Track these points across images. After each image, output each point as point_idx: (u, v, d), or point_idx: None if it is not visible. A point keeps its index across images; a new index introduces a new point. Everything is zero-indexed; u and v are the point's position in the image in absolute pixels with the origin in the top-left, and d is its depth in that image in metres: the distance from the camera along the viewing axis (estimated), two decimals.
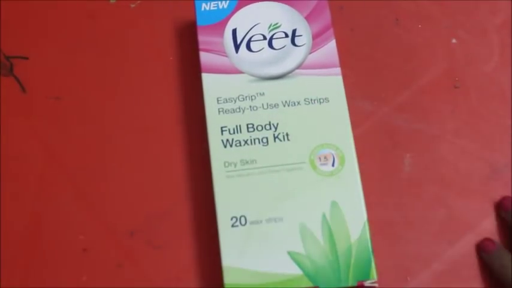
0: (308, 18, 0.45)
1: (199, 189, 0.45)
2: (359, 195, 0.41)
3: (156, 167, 0.45)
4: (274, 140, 0.42)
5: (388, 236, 0.44)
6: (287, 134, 0.42)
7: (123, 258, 0.43)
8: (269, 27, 0.45)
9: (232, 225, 0.40)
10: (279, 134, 0.42)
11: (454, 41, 0.49)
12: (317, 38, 0.45)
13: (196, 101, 0.47)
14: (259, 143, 0.42)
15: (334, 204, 0.40)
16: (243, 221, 0.40)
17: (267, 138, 0.42)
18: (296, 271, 0.39)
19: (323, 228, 0.40)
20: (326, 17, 0.45)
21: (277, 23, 0.45)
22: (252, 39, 0.45)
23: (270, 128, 0.42)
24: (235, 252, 0.40)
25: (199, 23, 0.45)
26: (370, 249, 0.40)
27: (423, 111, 0.47)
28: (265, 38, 0.45)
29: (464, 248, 0.44)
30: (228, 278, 0.39)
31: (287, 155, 0.42)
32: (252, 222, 0.40)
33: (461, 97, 0.47)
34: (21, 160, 0.45)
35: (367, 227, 0.40)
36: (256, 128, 0.42)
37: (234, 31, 0.45)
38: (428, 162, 0.46)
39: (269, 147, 0.42)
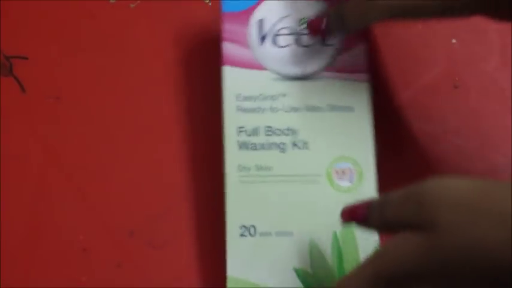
0: None
1: (200, 189, 0.45)
2: None
3: (156, 167, 0.45)
4: (292, 148, 0.40)
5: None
6: (306, 142, 0.40)
7: (123, 258, 0.43)
8: (299, 21, 0.41)
9: (241, 235, 0.39)
10: (298, 141, 0.40)
11: (454, 41, 0.49)
12: (348, 39, 0.41)
13: (196, 100, 0.47)
14: (276, 148, 0.40)
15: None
16: (252, 231, 0.39)
17: (284, 144, 0.40)
18: None
19: (333, 248, 0.38)
20: None
21: (309, 18, 0.41)
22: (279, 32, 0.41)
23: (289, 134, 0.40)
24: (242, 263, 0.38)
25: (224, 9, 0.42)
26: None
27: (423, 111, 0.47)
28: (293, 33, 0.41)
29: None
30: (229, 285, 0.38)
31: (304, 165, 0.39)
32: (261, 234, 0.39)
33: (461, 97, 0.47)
34: (21, 160, 0.45)
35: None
36: (275, 132, 0.40)
37: (261, 21, 0.41)
38: (429, 162, 0.46)
39: (286, 155, 0.39)
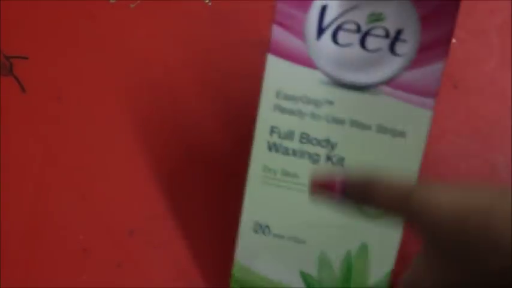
0: (424, 19, 0.33)
1: (201, 189, 0.45)
2: (394, 247, 0.36)
3: (156, 167, 0.45)
4: (326, 161, 0.36)
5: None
6: (342, 159, 0.36)
7: (123, 258, 0.43)
8: (369, 16, 0.33)
9: (254, 231, 0.37)
10: (334, 156, 0.36)
11: (454, 41, 0.49)
12: (424, 51, 0.33)
13: (197, 100, 0.47)
14: (308, 158, 0.36)
15: (363, 247, 0.37)
16: (266, 231, 0.37)
17: (319, 156, 0.36)
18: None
19: (343, 263, 0.37)
20: (448, 26, 0.33)
21: (381, 14, 0.33)
22: (343, 26, 0.34)
23: (326, 146, 0.36)
24: (250, 254, 0.37)
25: None
26: None
27: None
28: (359, 30, 0.34)
29: None
30: (237, 274, 0.38)
31: None
32: (274, 235, 0.37)
33: (461, 97, 0.47)
34: (21, 160, 0.45)
35: (388, 276, 0.37)
36: (311, 141, 0.36)
37: (324, 8, 0.33)
38: (429, 162, 0.46)
39: (317, 167, 0.36)
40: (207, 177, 0.45)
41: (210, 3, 0.49)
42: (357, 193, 0.30)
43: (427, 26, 0.32)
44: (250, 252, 0.38)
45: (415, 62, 0.34)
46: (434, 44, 0.33)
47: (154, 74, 0.48)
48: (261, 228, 0.37)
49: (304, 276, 0.38)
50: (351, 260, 0.37)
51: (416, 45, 0.33)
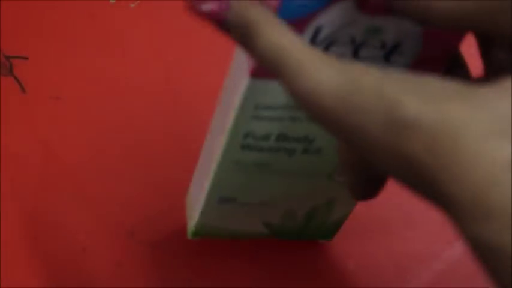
0: (427, 35, 0.30)
1: None
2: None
3: (156, 167, 0.45)
4: (302, 153, 0.35)
5: (388, 236, 0.44)
6: (320, 149, 0.35)
7: (123, 258, 0.43)
8: (366, 31, 0.30)
9: (219, 202, 0.38)
10: (311, 148, 0.35)
11: None
12: (420, 64, 0.31)
13: (196, 101, 0.47)
14: (284, 152, 0.35)
15: (330, 203, 0.39)
16: (232, 201, 0.38)
17: (295, 149, 0.35)
18: (265, 232, 0.41)
19: (307, 214, 0.40)
20: (451, 43, 0.30)
21: (379, 29, 0.30)
22: (337, 40, 0.30)
23: (304, 142, 0.35)
24: (212, 215, 0.39)
25: (282, 15, 0.29)
26: (338, 226, 0.41)
27: None
28: (353, 41, 0.30)
29: (465, 247, 0.44)
30: (195, 227, 0.40)
31: (308, 165, 0.36)
32: (241, 204, 0.38)
33: None
34: (21, 160, 0.45)
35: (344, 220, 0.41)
36: (288, 140, 0.35)
37: (318, 30, 0.29)
38: None
39: (292, 157, 0.36)
40: None
41: None
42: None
43: (429, 41, 0.30)
44: (212, 216, 0.39)
45: (417, 65, 0.31)
46: (433, 58, 0.31)
47: (155, 74, 0.48)
48: (227, 200, 0.38)
49: (267, 225, 0.40)
50: (316, 212, 0.40)
51: (414, 57, 0.31)
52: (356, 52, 0.31)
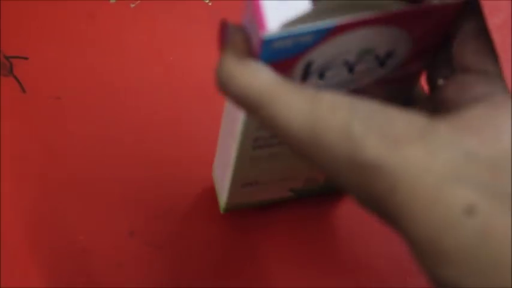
0: (417, 39, 0.30)
1: (200, 189, 0.45)
2: None
3: (156, 167, 0.45)
4: None
5: (388, 236, 0.44)
6: None
7: (123, 258, 0.43)
8: (359, 53, 0.30)
9: (242, 187, 0.40)
10: None
11: None
12: (414, 58, 0.31)
13: (196, 101, 0.47)
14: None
15: None
16: (255, 184, 0.40)
17: None
18: (291, 195, 0.43)
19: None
20: (437, 39, 0.31)
21: (372, 49, 0.30)
22: (330, 66, 0.30)
23: None
24: (239, 195, 0.41)
25: (263, 57, 0.28)
26: None
27: None
28: (347, 63, 0.30)
29: None
30: (226, 205, 0.42)
31: None
32: (263, 183, 0.41)
33: None
34: (21, 160, 0.45)
35: None
36: None
37: (309, 65, 0.30)
38: None
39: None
40: (209, 176, 0.45)
41: (210, 3, 0.49)
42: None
43: (420, 42, 0.31)
44: (239, 195, 0.41)
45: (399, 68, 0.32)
46: (424, 49, 0.31)
47: (155, 74, 0.48)
48: (250, 184, 0.40)
49: (292, 190, 0.43)
50: None
51: (406, 54, 0.31)
52: (351, 69, 0.31)
